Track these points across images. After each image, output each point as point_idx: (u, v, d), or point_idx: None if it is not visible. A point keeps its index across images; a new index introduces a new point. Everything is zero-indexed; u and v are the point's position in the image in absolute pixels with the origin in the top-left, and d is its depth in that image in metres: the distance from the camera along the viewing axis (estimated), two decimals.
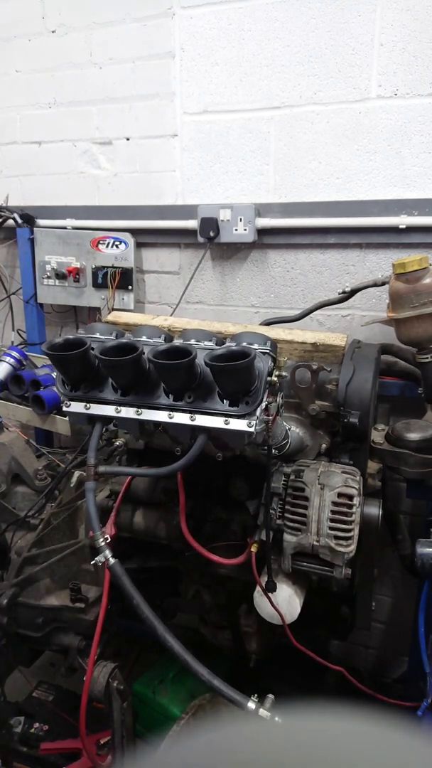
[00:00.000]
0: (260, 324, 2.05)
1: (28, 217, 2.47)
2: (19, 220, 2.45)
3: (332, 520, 1.27)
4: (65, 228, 2.44)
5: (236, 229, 2.16)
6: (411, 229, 1.98)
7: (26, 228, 2.46)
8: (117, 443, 1.55)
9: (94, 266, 2.40)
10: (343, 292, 1.89)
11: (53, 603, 1.74)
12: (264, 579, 1.34)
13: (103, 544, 1.16)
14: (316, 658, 1.49)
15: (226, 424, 1.10)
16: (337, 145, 2.05)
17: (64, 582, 1.76)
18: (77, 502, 1.82)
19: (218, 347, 1.14)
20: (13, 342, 2.64)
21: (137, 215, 2.36)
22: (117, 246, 2.36)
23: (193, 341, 1.20)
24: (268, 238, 2.19)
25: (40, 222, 2.49)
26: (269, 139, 2.14)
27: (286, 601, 1.38)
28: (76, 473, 1.90)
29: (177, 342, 1.16)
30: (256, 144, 2.16)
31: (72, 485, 1.91)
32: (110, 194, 2.44)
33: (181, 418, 1.14)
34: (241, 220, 2.14)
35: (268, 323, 2.04)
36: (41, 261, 2.47)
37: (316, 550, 1.29)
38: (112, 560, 1.16)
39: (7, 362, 2.24)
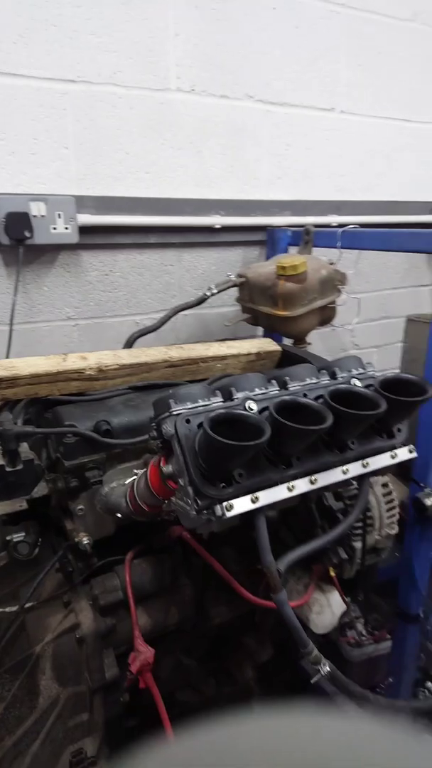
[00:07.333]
0: (128, 341, 1.76)
1: None
2: None
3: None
4: None
5: (54, 228, 1.72)
6: (225, 229, 2.07)
7: None
8: (84, 541, 1.18)
9: None
10: (211, 294, 1.85)
11: None
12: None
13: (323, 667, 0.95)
14: None
15: (393, 458, 1.07)
16: (143, 135, 1.89)
17: (56, 758, 1.21)
18: (32, 650, 1.22)
19: (364, 379, 1.06)
20: None
21: None
22: None
23: (343, 374, 1.06)
24: (82, 238, 1.84)
25: None
26: (67, 118, 1.76)
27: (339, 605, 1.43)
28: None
29: (349, 385, 1.00)
30: (51, 122, 1.73)
31: None
32: None
33: (355, 468, 1.02)
34: (60, 216, 1.72)
35: (135, 338, 1.78)
36: None
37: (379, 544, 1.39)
38: None
39: None
